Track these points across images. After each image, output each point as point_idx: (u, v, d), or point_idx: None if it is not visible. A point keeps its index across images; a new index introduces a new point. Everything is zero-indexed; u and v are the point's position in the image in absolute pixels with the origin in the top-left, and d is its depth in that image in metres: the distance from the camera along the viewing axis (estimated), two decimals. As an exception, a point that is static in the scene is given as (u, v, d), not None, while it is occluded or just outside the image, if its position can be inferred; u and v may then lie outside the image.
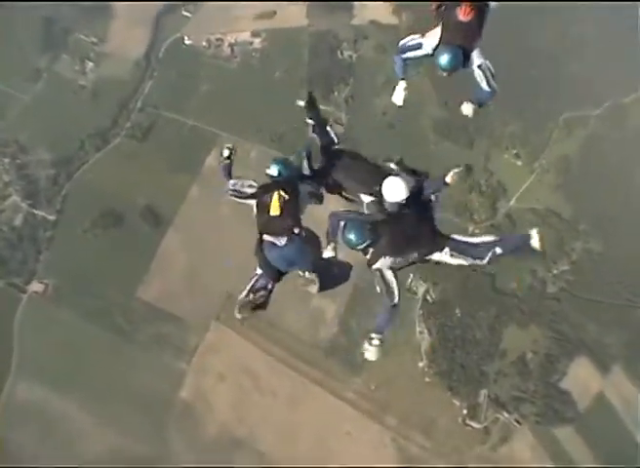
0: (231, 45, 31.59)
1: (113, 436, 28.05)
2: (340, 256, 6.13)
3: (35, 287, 29.79)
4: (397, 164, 6.28)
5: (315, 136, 6.53)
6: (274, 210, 5.63)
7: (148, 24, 31.68)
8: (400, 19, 31.13)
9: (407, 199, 5.71)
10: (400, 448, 28.39)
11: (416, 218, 5.73)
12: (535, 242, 5.71)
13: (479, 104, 5.83)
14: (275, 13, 31.52)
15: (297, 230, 5.70)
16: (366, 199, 6.02)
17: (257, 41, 31.64)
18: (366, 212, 5.93)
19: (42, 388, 28.60)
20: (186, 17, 31.92)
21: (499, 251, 5.67)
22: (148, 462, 27.83)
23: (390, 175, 5.90)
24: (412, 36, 5.87)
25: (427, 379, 28.96)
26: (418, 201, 5.82)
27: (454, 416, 28.52)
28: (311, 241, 5.91)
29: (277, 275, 5.80)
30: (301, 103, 6.48)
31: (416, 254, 5.68)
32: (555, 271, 28.94)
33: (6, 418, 28.53)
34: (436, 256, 5.75)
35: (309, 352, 28.80)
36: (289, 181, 5.89)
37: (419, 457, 28.19)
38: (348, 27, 31.29)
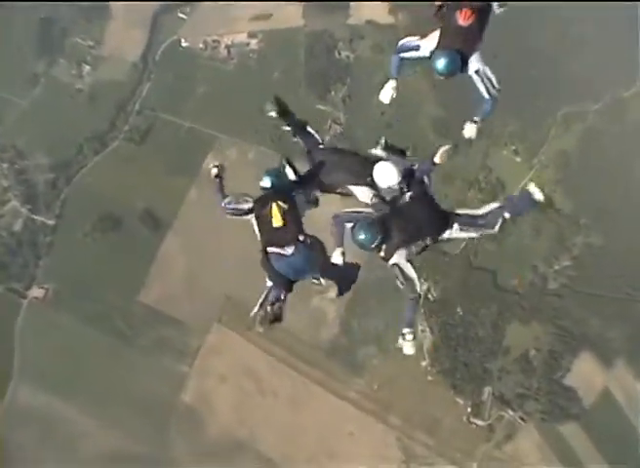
0: (228, 46, 31.61)
1: (115, 439, 27.99)
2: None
3: (35, 292, 29.79)
4: (384, 149, 6.17)
5: (298, 139, 6.36)
6: (276, 221, 5.56)
7: (145, 27, 31.71)
8: (396, 18, 31.11)
9: (403, 183, 5.64)
10: (404, 448, 28.27)
11: (419, 203, 5.63)
12: (537, 194, 5.67)
13: (482, 118, 5.66)
14: (271, 14, 31.53)
15: (302, 237, 5.60)
16: (362, 194, 5.93)
17: (253, 42, 31.66)
18: (368, 209, 5.83)
19: (44, 392, 28.56)
20: (182, 19, 31.94)
21: (507, 215, 5.63)
22: (150, 465, 27.76)
23: (379, 161, 5.83)
24: (411, 37, 5.74)
25: (430, 378, 28.83)
26: (414, 184, 5.73)
27: (458, 415, 28.41)
28: (316, 246, 5.73)
29: (289, 285, 5.68)
30: (272, 114, 6.14)
31: (428, 239, 5.59)
32: (556, 267, 28.86)
33: (8, 422, 28.54)
34: (447, 234, 5.67)
35: (311, 353, 28.71)
36: (283, 191, 5.83)
37: (423, 456, 28.07)
38: (345, 27, 31.27)
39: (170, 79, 31.48)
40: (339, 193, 6.19)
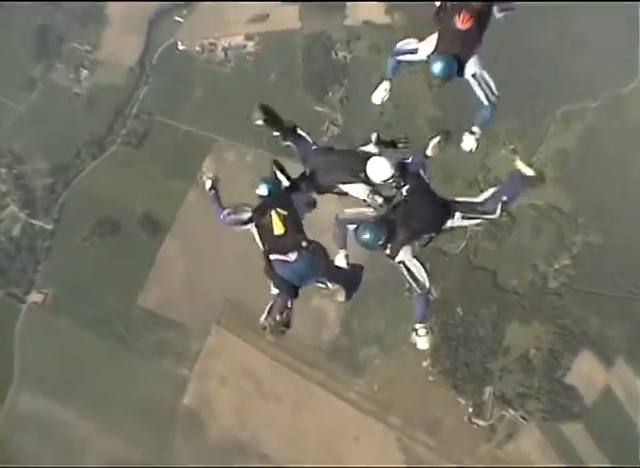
0: (225, 49, 31.58)
1: (115, 443, 27.92)
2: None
3: (34, 297, 29.72)
4: (376, 144, 6.15)
5: (289, 143, 6.31)
6: (278, 229, 5.60)
7: (141, 31, 31.66)
8: (393, 18, 31.10)
9: (398, 176, 5.63)
10: (405, 448, 28.19)
11: (418, 196, 5.63)
12: (525, 170, 5.70)
13: (480, 127, 5.69)
14: (268, 16, 31.52)
15: (304, 243, 5.63)
16: (358, 192, 5.91)
17: (250, 44, 31.63)
18: (369, 209, 5.86)
19: (43, 397, 28.50)
20: (179, 22, 31.94)
21: (504, 198, 5.63)
22: (152, 468, 27.76)
23: (372, 156, 5.82)
24: (409, 40, 5.78)
25: (431, 378, 28.77)
26: (410, 177, 5.73)
27: (459, 415, 28.32)
28: (318, 250, 5.76)
29: (294, 291, 5.70)
30: (259, 122, 6.02)
31: (432, 231, 5.61)
32: (556, 266, 28.81)
33: (8, 426, 28.46)
34: (449, 223, 5.70)
35: (311, 354, 28.65)
36: (281, 197, 5.86)
37: (424, 457, 28.00)
38: (342, 28, 31.25)
39: (167, 83, 31.43)
40: (335, 193, 6.19)
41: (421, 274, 5.58)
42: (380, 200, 5.85)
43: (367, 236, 5.30)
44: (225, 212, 5.95)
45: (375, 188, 5.81)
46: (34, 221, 30.37)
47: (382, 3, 31.41)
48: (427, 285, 5.62)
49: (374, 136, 6.21)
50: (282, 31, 31.34)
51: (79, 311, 29.24)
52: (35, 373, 28.75)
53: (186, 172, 30.09)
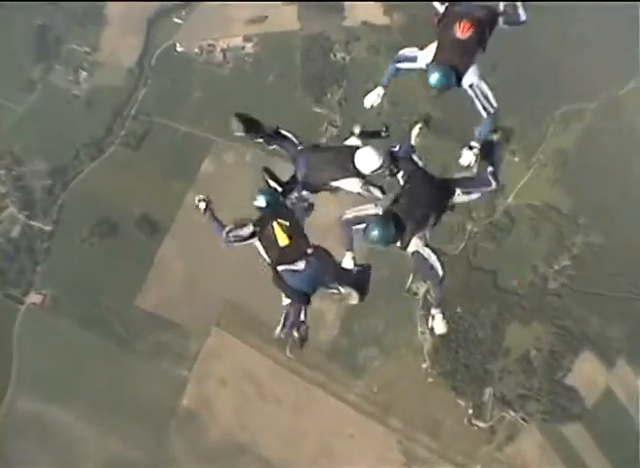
0: (223, 50, 31.63)
1: (114, 445, 27.81)
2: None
3: (33, 298, 29.69)
4: (359, 137, 6.08)
5: (275, 147, 6.22)
6: (282, 240, 5.58)
7: (140, 32, 31.77)
8: (392, 19, 31.16)
9: (388, 164, 5.56)
10: (405, 450, 28.08)
11: (416, 182, 5.51)
12: (494, 137, 5.62)
13: (479, 141, 5.53)
14: (267, 17, 31.57)
15: (310, 250, 5.62)
16: (351, 186, 5.81)
17: (249, 46, 31.69)
18: (371, 206, 5.72)
19: (42, 398, 28.40)
20: (178, 23, 31.99)
21: (491, 168, 5.56)
22: (150, 470, 27.67)
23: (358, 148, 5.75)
24: (411, 48, 5.67)
25: (431, 380, 28.67)
26: (402, 162, 5.64)
27: (459, 416, 28.22)
28: (324, 255, 5.75)
29: (306, 298, 5.67)
30: (240, 133, 5.97)
31: (437, 214, 5.50)
32: (556, 266, 28.78)
33: (6, 428, 28.36)
34: (451, 201, 5.61)
35: (311, 355, 28.50)
36: (279, 207, 5.83)
37: (424, 458, 27.90)
38: (340, 29, 31.31)
39: (166, 84, 31.50)
40: (327, 190, 6.09)
41: (435, 262, 5.45)
42: (376, 191, 5.79)
43: (377, 234, 5.15)
44: (227, 229, 5.86)
45: (368, 180, 5.74)
46: (33, 223, 30.36)
47: (381, 4, 31.41)
48: (441, 272, 5.48)
49: (356, 129, 6.15)
50: (280, 32, 31.43)
51: (78, 312, 29.20)
52: (33, 374, 28.67)
53: (185, 173, 30.11)
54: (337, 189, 6.01)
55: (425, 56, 5.46)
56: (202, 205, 6.24)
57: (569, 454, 27.47)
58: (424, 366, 28.85)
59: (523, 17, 5.58)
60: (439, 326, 5.71)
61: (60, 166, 30.46)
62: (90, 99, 31.29)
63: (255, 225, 5.77)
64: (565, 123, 29.78)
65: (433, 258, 5.43)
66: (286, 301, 5.71)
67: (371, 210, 5.59)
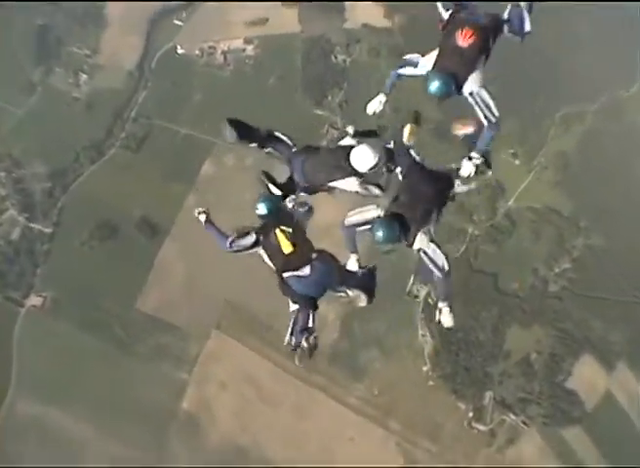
0: (224, 53, 31.59)
1: (114, 447, 27.75)
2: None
3: (33, 300, 29.63)
4: (354, 136, 6.02)
5: (270, 151, 6.14)
6: (286, 247, 5.55)
7: (141, 35, 31.70)
8: (393, 21, 31.14)
9: (384, 161, 5.54)
10: (405, 453, 28.03)
11: (416, 177, 5.45)
12: (465, 130, 5.69)
13: (480, 152, 5.47)
14: (267, 19, 31.55)
15: (314, 255, 5.59)
16: (349, 185, 5.77)
17: (249, 48, 31.65)
18: (372, 206, 5.73)
19: (42, 401, 28.36)
20: (178, 26, 31.96)
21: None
22: (150, 473, 27.59)
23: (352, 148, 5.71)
24: (413, 55, 5.63)
25: (431, 383, 28.63)
26: (399, 157, 5.60)
27: (459, 419, 28.17)
28: (329, 259, 5.72)
29: (313, 303, 5.68)
30: (232, 140, 5.89)
31: (439, 207, 5.48)
32: (557, 269, 28.73)
33: (6, 431, 28.32)
34: (452, 192, 5.59)
35: (312, 358, 28.48)
36: (281, 213, 5.79)
37: (424, 462, 27.84)
38: (341, 31, 31.27)
39: (166, 86, 31.42)
40: (324, 191, 6.05)
41: (440, 257, 5.47)
42: (375, 190, 5.76)
43: (382, 235, 5.17)
44: (229, 240, 5.82)
45: (365, 179, 5.69)
46: (33, 225, 30.30)
47: (382, 6, 31.39)
48: (447, 267, 5.49)
49: (350, 129, 6.10)
50: (281, 35, 31.40)
51: (78, 315, 29.14)
52: (34, 377, 28.63)
53: (185, 175, 30.07)
54: (333, 189, 5.97)
55: (426, 62, 5.41)
56: (202, 217, 6.29)
57: (569, 458, 27.44)
58: (425, 368, 28.80)
59: (528, 27, 5.50)
60: (446, 319, 5.72)
61: (61, 168, 30.39)
62: (90, 102, 31.22)
63: (257, 233, 5.73)
64: (566, 125, 29.75)
65: (439, 253, 5.44)
66: (293, 307, 5.70)
67: (372, 211, 5.61)
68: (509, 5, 5.52)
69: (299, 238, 5.64)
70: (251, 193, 6.16)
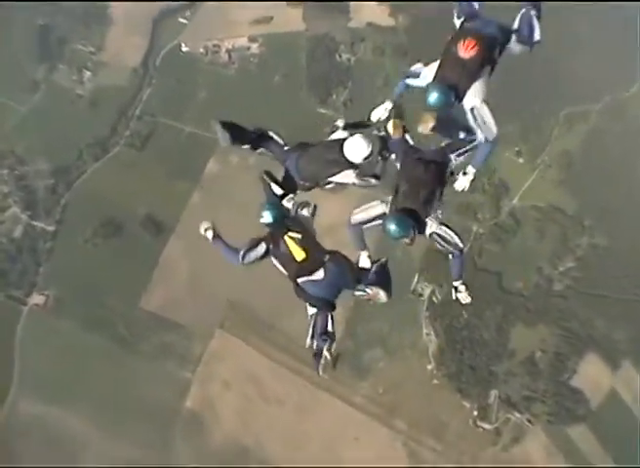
0: (229, 51, 31.61)
1: (118, 447, 27.53)
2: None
3: (36, 299, 29.43)
4: (345, 129, 5.97)
5: (263, 151, 6.04)
6: (298, 254, 5.51)
7: (145, 32, 31.73)
8: (397, 20, 31.24)
9: (378, 150, 5.53)
10: (411, 452, 27.97)
11: (412, 162, 5.43)
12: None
13: (475, 168, 5.41)
14: (272, 18, 31.57)
15: (326, 258, 5.54)
16: (346, 178, 5.75)
17: (254, 46, 31.68)
18: (376, 202, 5.67)
19: (45, 400, 28.14)
20: (183, 23, 31.95)
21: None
22: (154, 472, 27.42)
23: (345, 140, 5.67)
24: (417, 65, 5.56)
25: (436, 381, 28.61)
26: (393, 146, 5.59)
27: (464, 418, 28.16)
28: (341, 259, 5.65)
29: (331, 305, 5.65)
30: (226, 143, 5.82)
31: (441, 188, 5.42)
32: (561, 268, 28.81)
33: (9, 430, 28.06)
34: (450, 169, 5.48)
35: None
36: (287, 219, 5.74)
37: (429, 461, 27.78)
38: (345, 30, 31.36)
39: (171, 84, 31.44)
40: (321, 186, 6.01)
41: (453, 237, 5.44)
42: (372, 180, 5.75)
43: (395, 229, 5.16)
44: (241, 254, 5.72)
45: (361, 170, 5.66)
46: (36, 223, 30.14)
47: (386, 5, 31.46)
48: (461, 245, 5.48)
49: (340, 123, 6.06)
50: (286, 33, 31.43)
51: (81, 313, 28.96)
52: (36, 376, 28.37)
53: (190, 173, 30.01)
54: (329, 184, 5.94)
55: (428, 73, 5.35)
56: (209, 234, 6.06)
57: (574, 456, 27.46)
58: (429, 367, 28.79)
59: (538, 36, 5.37)
60: (463, 296, 5.73)
61: (64, 166, 30.29)
62: (94, 99, 31.17)
63: (266, 242, 5.67)
64: (569, 124, 29.91)
65: (451, 234, 5.42)
66: (311, 311, 5.66)
67: (378, 207, 5.58)
68: (520, 11, 5.40)
69: (309, 242, 5.59)
70: (255, 191, 6.06)
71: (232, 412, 28.75)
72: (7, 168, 30.31)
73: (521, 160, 29.85)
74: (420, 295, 29.03)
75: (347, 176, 5.71)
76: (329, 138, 6.00)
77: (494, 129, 5.18)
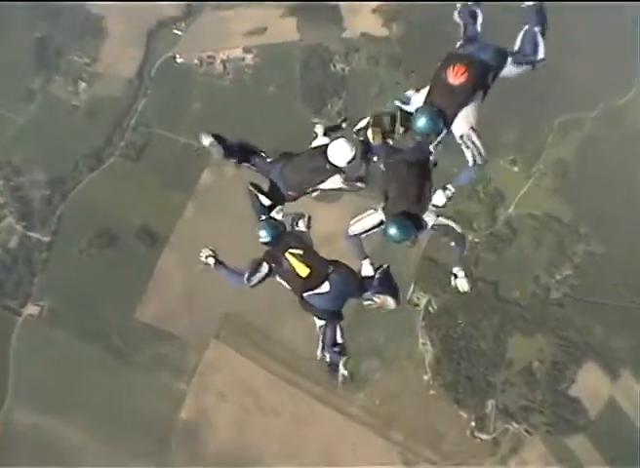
0: (223, 62, 31.72)
1: (112, 458, 27.36)
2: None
3: (31, 309, 29.42)
4: (325, 134, 6.02)
5: (247, 165, 6.07)
6: (302, 270, 5.50)
7: (140, 44, 31.88)
8: (391, 30, 31.33)
9: (362, 152, 5.55)
10: (407, 463, 27.74)
11: (395, 164, 5.49)
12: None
13: (457, 186, 5.42)
14: (266, 28, 31.70)
15: (330, 269, 5.54)
16: (334, 184, 5.76)
17: (249, 57, 31.78)
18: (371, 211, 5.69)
19: (40, 411, 28.03)
20: (177, 35, 32.10)
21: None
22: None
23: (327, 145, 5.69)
24: (410, 91, 5.59)
25: (432, 392, 28.40)
26: (377, 149, 5.61)
27: (461, 429, 27.91)
28: (341, 268, 5.64)
29: (339, 316, 5.66)
30: (219, 156, 5.92)
31: (429, 181, 5.46)
32: (558, 276, 28.67)
33: (3, 441, 27.92)
34: (432, 160, 5.51)
35: (310, 368, 28.18)
36: (285, 236, 5.74)
37: (427, 471, 27.57)
38: (339, 40, 31.45)
39: (166, 95, 31.51)
40: (308, 194, 6.02)
41: (454, 227, 5.51)
42: (359, 184, 5.77)
43: (396, 233, 5.20)
44: (245, 276, 5.69)
45: (348, 175, 5.68)
46: (31, 233, 30.18)
47: (380, 15, 31.57)
48: (460, 230, 5.54)
49: (319, 129, 6.07)
50: (280, 44, 31.56)
51: (76, 324, 28.89)
52: (31, 386, 28.29)
53: (185, 184, 30.03)
54: (315, 191, 5.94)
55: (418, 99, 5.35)
56: (211, 260, 6.06)
57: (573, 466, 27.12)
58: (426, 378, 28.58)
59: (542, 54, 5.32)
60: (462, 283, 5.66)
61: (60, 176, 30.35)
62: (89, 110, 31.28)
63: (267, 261, 5.66)
64: (564, 132, 29.89)
65: (451, 224, 5.48)
66: (319, 323, 5.65)
67: (374, 216, 5.57)
68: (523, 29, 5.35)
69: (311, 257, 5.59)
70: (250, 202, 6.01)
71: (228, 423, 28.57)
72: (3, 178, 30.40)
73: (516, 168, 29.80)
74: (417, 305, 28.88)
75: (335, 182, 5.73)
76: (310, 146, 6.00)
77: (483, 153, 5.16)
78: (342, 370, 5.63)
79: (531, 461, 27.38)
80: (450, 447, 27.76)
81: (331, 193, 6.07)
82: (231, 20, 31.59)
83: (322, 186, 5.81)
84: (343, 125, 6.20)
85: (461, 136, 5.14)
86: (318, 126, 6.10)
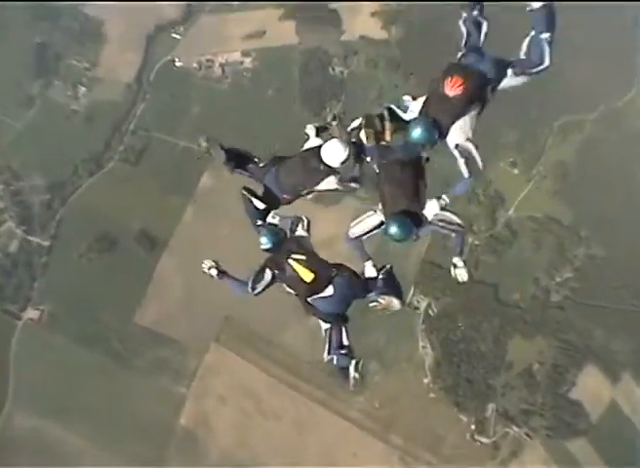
0: (222, 65, 31.74)
1: (112, 462, 27.36)
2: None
3: (30, 313, 29.50)
4: (317, 135, 5.98)
5: (240, 171, 6.01)
6: (306, 276, 5.49)
7: (139, 48, 31.92)
8: (389, 33, 31.29)
9: (354, 152, 5.49)
10: (407, 466, 27.63)
11: (388, 163, 5.46)
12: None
13: (452, 196, 5.39)
14: (265, 32, 31.70)
15: (334, 273, 5.53)
16: (328, 185, 5.73)
17: (247, 61, 31.79)
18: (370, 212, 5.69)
19: (39, 415, 28.09)
20: (176, 39, 32.13)
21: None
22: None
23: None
24: (407, 97, 5.53)
25: (432, 395, 28.33)
26: (369, 150, 5.55)
27: (461, 432, 27.84)
28: (343, 270, 5.62)
29: (344, 318, 5.66)
30: (223, 161, 5.85)
31: (423, 177, 5.43)
32: (558, 279, 28.59)
33: (3, 445, 27.95)
34: (424, 157, 5.47)
35: (310, 371, 28.18)
36: (286, 242, 5.73)
37: (427, 475, 27.49)
38: (338, 43, 31.44)
39: (164, 99, 31.55)
40: (303, 196, 5.98)
41: (452, 218, 5.46)
42: (353, 184, 5.76)
43: (398, 232, 5.20)
44: (250, 285, 5.70)
45: (342, 175, 5.65)
46: (31, 238, 30.25)
47: (379, 18, 31.56)
48: (460, 222, 5.48)
49: (310, 131, 6.05)
50: (279, 47, 31.55)
51: (75, 328, 28.93)
52: (31, 391, 28.34)
53: (184, 188, 30.03)
54: (310, 193, 5.91)
55: (415, 108, 5.32)
56: (214, 271, 6.03)
57: (574, 470, 27.06)
58: (426, 381, 28.53)
59: (547, 61, 5.11)
60: (461, 273, 5.61)
61: (59, 181, 30.42)
62: (88, 115, 31.33)
63: (271, 268, 5.65)
64: (563, 134, 29.82)
65: (449, 215, 5.43)
66: (325, 326, 5.65)
67: (374, 217, 5.57)
68: (529, 35, 5.17)
69: (314, 262, 5.57)
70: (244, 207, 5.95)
71: (228, 427, 28.54)
72: (3, 183, 30.51)
73: (516, 171, 29.74)
74: (416, 308, 28.82)
75: (329, 184, 5.70)
76: (303, 148, 5.97)
77: (480, 165, 5.14)
78: (353, 373, 5.62)
79: (531, 465, 27.30)
80: (450, 450, 27.69)
81: (327, 194, 6.07)
82: (230, 24, 31.58)
83: (318, 188, 5.77)
84: (333, 123, 6.07)
85: (456, 146, 5.09)
86: (309, 126, 6.08)
